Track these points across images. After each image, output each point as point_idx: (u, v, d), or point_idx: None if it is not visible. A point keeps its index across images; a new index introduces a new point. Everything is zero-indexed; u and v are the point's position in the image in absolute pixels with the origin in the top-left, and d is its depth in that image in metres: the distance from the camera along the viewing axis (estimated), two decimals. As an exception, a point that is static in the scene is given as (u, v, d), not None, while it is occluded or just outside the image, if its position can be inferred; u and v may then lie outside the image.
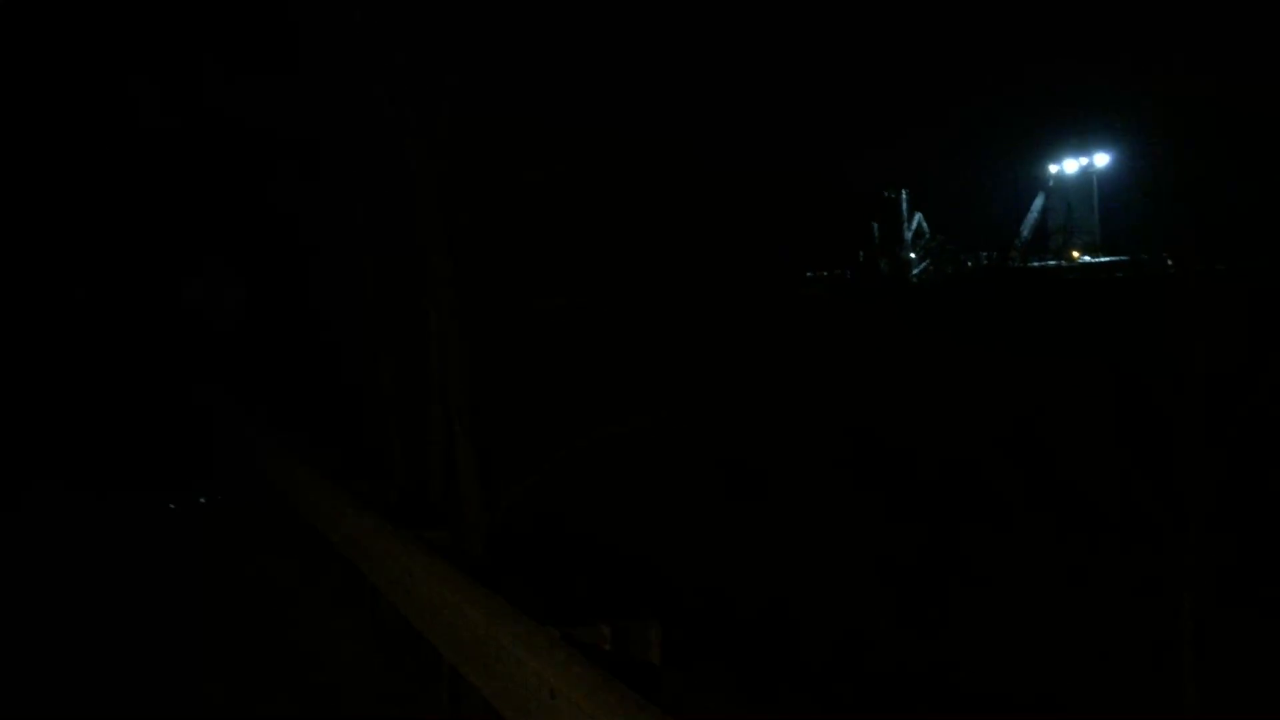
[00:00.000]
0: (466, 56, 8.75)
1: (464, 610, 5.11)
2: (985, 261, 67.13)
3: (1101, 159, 72.73)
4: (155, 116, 19.65)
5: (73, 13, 19.21)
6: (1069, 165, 74.32)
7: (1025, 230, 73.48)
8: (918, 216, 73.89)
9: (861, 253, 70.70)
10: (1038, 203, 74.13)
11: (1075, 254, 67.24)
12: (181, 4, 16.88)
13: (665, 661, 4.40)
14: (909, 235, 73.38)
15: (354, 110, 10.73)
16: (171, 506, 13.40)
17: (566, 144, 10.19)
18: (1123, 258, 57.65)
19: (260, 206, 17.69)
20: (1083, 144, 72.79)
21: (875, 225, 72.08)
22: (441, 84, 8.66)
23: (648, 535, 11.12)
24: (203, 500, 13.65)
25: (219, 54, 15.85)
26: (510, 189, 9.47)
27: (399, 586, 6.33)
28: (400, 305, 11.20)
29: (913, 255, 72.27)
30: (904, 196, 73.73)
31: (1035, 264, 66.11)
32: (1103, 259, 62.70)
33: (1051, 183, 74.66)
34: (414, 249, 10.08)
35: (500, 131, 9.26)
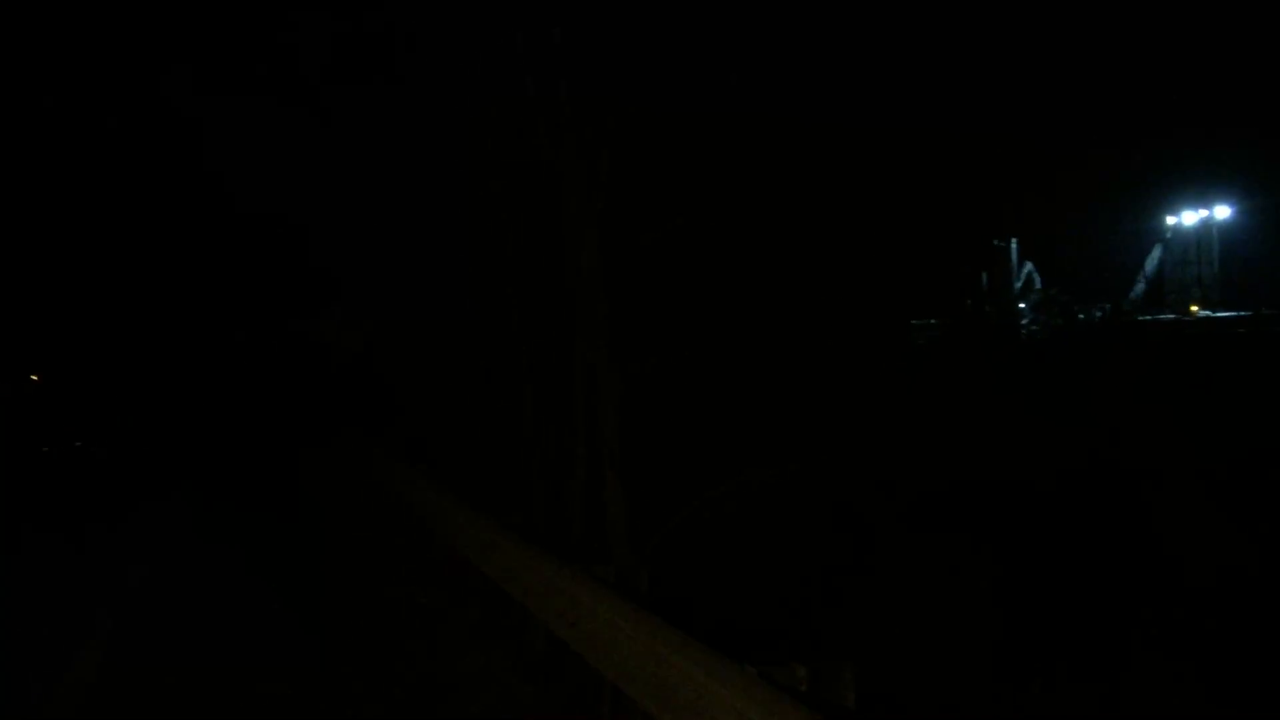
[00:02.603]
0: (627, 102, 9.00)
1: (642, 642, 5.19)
2: (1098, 315, 65.43)
3: (1222, 211, 70.59)
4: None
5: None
6: (1187, 217, 72.12)
7: (1141, 283, 71.59)
8: (1028, 266, 72.44)
9: (969, 301, 69.50)
10: (1155, 254, 72.17)
11: (1194, 308, 65.24)
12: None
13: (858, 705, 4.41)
14: (1018, 285, 71.97)
15: (509, 144, 11.00)
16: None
17: (709, 190, 10.37)
18: (1243, 313, 55.71)
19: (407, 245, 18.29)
20: (1203, 195, 70.82)
21: (984, 274, 70.84)
22: (603, 128, 8.91)
23: (778, 580, 11.13)
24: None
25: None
26: (661, 234, 9.66)
27: (564, 619, 6.45)
28: (543, 343, 11.42)
29: (1022, 306, 70.83)
30: (1013, 246, 72.40)
31: (1150, 317, 64.27)
32: (1222, 314, 60.73)
33: (1169, 234, 72.58)
34: (560, 285, 10.31)
35: (655, 178, 9.47)
